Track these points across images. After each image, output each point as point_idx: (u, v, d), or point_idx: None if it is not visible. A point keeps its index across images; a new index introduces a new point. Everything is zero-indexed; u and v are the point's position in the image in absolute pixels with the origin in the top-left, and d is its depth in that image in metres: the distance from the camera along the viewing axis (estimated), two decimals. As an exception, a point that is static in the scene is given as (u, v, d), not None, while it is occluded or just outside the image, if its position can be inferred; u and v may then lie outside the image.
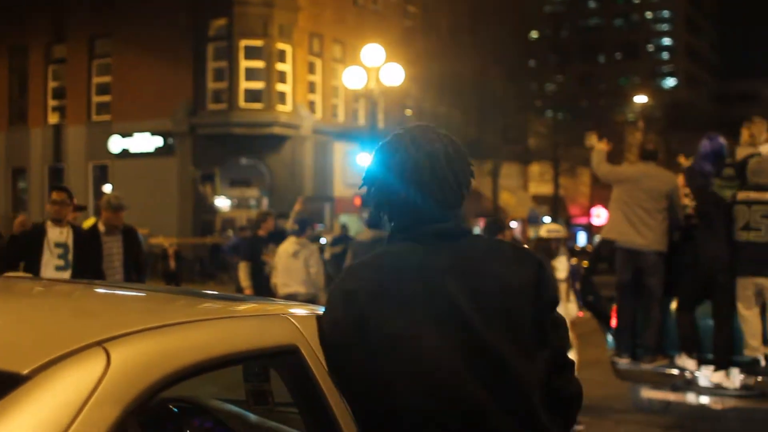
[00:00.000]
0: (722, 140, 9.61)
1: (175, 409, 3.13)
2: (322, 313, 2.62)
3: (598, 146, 10.05)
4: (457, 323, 2.39)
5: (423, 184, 2.50)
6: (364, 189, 2.63)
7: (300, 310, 2.77)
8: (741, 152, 9.63)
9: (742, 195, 8.90)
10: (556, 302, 2.60)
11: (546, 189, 49.34)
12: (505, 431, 2.38)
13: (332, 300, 2.53)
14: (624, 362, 9.36)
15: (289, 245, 12.05)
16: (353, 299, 2.44)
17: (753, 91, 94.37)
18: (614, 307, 9.66)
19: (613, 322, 9.70)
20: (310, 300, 11.22)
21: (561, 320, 2.61)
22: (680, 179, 10.06)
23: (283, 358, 2.54)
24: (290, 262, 11.88)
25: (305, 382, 2.47)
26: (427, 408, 2.36)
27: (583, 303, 10.35)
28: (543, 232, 10.52)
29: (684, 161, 10.27)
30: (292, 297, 11.28)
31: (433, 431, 2.36)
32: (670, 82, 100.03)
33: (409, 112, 41.87)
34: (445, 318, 2.39)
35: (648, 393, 9.67)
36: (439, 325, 2.39)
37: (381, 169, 2.57)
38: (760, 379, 8.76)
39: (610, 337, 9.92)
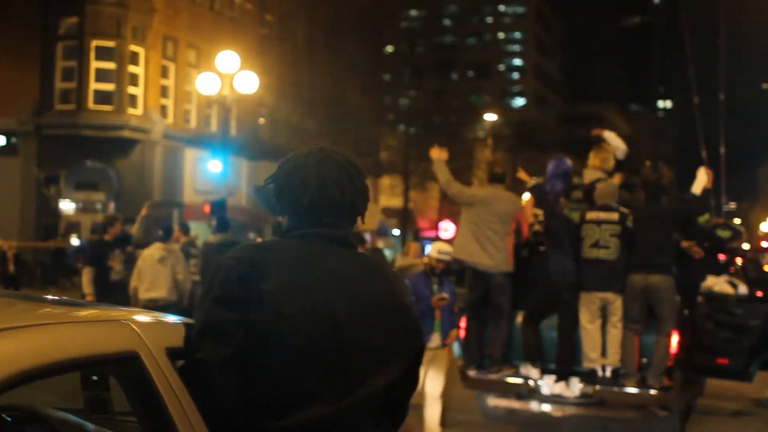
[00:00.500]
0: (569, 162, 10.18)
1: (9, 418, 3.04)
2: (193, 318, 2.67)
3: (437, 155, 10.16)
4: (329, 322, 2.58)
5: (328, 197, 2.74)
6: (272, 184, 2.82)
7: (143, 317, 2.75)
8: (588, 175, 10.15)
9: (591, 215, 9.45)
10: (420, 331, 2.86)
11: (396, 202, 49.82)
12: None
13: (222, 267, 2.62)
14: (472, 373, 9.73)
15: (155, 251, 12.13)
16: (246, 265, 2.58)
17: (598, 114, 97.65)
18: (463, 319, 9.94)
19: (462, 334, 10.00)
20: (173, 305, 11.52)
21: (421, 348, 2.87)
22: (530, 199, 10.49)
23: (123, 365, 2.51)
24: (156, 268, 11.95)
25: (145, 389, 2.46)
26: (286, 393, 2.52)
27: None
28: (434, 252, 9.17)
29: (524, 176, 10.69)
30: (153, 302, 11.61)
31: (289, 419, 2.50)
32: (520, 101, 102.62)
33: (262, 120, 41.64)
34: (321, 313, 2.58)
35: (494, 401, 10.09)
36: (314, 317, 2.56)
37: (292, 176, 2.77)
38: (597, 388, 9.34)
39: (457, 348, 10.29)
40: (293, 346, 2.52)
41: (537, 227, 10.37)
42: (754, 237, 64.20)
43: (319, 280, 2.61)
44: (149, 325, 2.67)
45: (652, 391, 9.39)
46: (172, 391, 2.49)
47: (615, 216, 9.40)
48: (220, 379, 2.51)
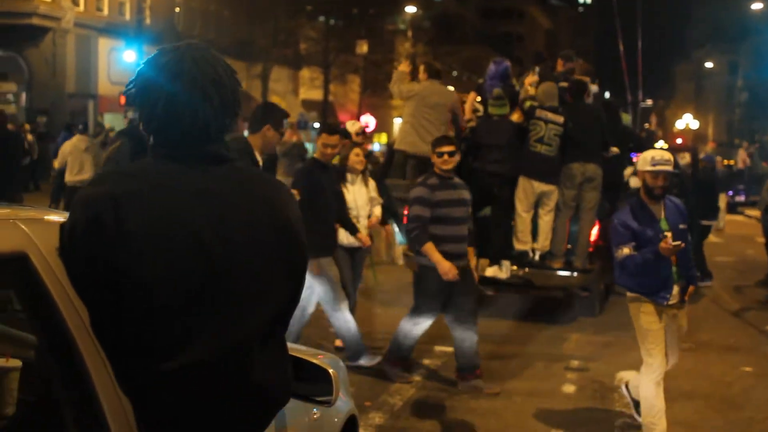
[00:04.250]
0: (507, 63, 12.01)
1: None
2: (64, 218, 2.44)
3: (401, 68, 11.45)
4: (200, 253, 2.35)
5: (209, 109, 2.45)
6: (132, 91, 2.48)
7: (32, 215, 2.57)
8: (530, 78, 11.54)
9: (540, 113, 10.63)
10: (302, 245, 2.62)
11: (316, 95, 49.27)
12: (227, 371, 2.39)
13: (77, 202, 2.37)
14: (410, 253, 10.06)
15: (79, 141, 15.57)
16: (100, 201, 2.31)
17: (518, 8, 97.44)
18: (406, 207, 10.38)
19: (405, 221, 10.51)
20: None
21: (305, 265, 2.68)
22: (471, 95, 11.82)
23: (10, 267, 2.34)
24: (82, 156, 15.24)
25: (35, 291, 2.31)
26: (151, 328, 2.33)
27: None
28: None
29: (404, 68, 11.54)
30: (82, 182, 14.19)
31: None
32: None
33: (177, 9, 40.59)
34: (188, 246, 2.34)
35: None
36: (181, 251, 2.33)
37: (157, 74, 2.44)
38: (527, 270, 10.79)
39: (397, 231, 12.12)
40: (164, 287, 2.29)
41: (472, 123, 11.25)
42: (670, 134, 65.41)
43: (186, 208, 2.36)
44: (39, 223, 2.48)
45: (576, 274, 10.70)
46: (65, 292, 2.34)
47: (560, 119, 10.62)
48: (94, 317, 2.35)
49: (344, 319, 8.32)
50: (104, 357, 2.35)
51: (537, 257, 10.81)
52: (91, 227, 2.29)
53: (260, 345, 2.45)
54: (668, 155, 6.51)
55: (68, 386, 2.35)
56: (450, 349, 8.56)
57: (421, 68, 10.95)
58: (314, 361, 3.23)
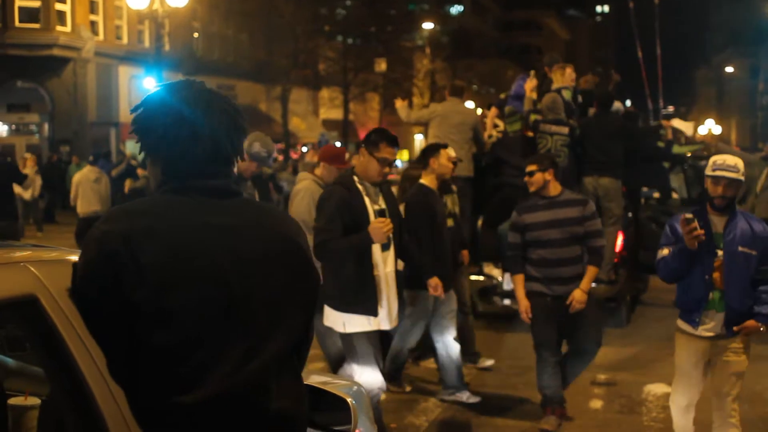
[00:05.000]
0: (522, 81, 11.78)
1: None
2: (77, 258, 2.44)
3: (397, 104, 11.52)
4: (219, 285, 2.36)
5: (202, 141, 2.46)
6: (140, 114, 2.50)
7: (43, 257, 2.58)
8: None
9: (544, 126, 10.61)
10: (313, 274, 2.66)
11: (336, 114, 49.42)
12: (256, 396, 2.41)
13: (89, 241, 2.36)
14: None
15: (89, 173, 15.82)
16: (113, 239, 2.30)
17: (536, 20, 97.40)
18: None
19: None
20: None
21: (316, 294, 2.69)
22: (492, 111, 12.02)
23: (21, 309, 2.35)
24: (92, 187, 15.49)
25: (46, 333, 2.31)
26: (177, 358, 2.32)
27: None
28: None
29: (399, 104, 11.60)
30: (95, 213, 14.96)
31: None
32: (458, 8, 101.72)
33: (196, 35, 40.82)
34: (208, 278, 2.35)
35: None
36: (201, 280, 2.34)
37: (155, 127, 2.46)
38: None
39: None
40: (183, 320, 2.29)
41: (493, 139, 11.49)
42: (692, 140, 64.95)
43: (202, 241, 2.36)
44: (50, 266, 2.48)
45: (601, 285, 10.25)
46: (76, 333, 2.33)
47: (565, 129, 10.58)
48: (109, 354, 2.36)
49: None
50: (116, 397, 2.34)
51: None
52: (107, 263, 2.29)
53: (277, 376, 2.45)
54: (734, 160, 5.63)
55: (81, 426, 2.34)
56: (474, 366, 8.52)
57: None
58: (332, 390, 3.21)
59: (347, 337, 6.06)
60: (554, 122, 10.65)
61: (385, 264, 6.05)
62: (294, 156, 34.55)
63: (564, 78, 11.05)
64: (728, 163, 5.57)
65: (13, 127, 33.92)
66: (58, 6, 32.13)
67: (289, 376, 2.53)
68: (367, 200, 5.98)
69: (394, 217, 6.06)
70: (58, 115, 32.94)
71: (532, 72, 11.76)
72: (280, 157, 30.49)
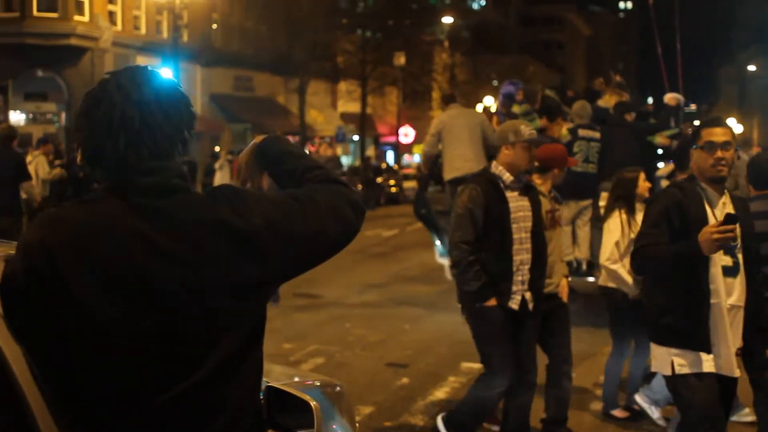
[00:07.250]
0: (510, 88, 12.45)
1: None
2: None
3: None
4: (146, 297, 2.17)
5: (132, 134, 2.23)
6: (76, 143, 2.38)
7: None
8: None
9: (583, 132, 11.02)
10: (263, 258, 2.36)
11: (354, 107, 49.33)
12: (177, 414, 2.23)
13: (19, 248, 2.21)
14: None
15: None
16: (35, 251, 2.16)
17: (558, 15, 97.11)
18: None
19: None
20: None
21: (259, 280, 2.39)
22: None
23: None
24: None
25: None
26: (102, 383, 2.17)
27: (417, 216, 12.33)
28: None
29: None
30: None
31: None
32: (479, 2, 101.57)
33: (215, 26, 40.83)
34: (134, 291, 2.16)
35: None
36: (127, 299, 2.16)
37: (87, 121, 2.28)
38: (570, 278, 10.23)
39: (438, 244, 12.02)
40: (112, 335, 2.14)
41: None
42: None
43: (129, 250, 2.17)
44: None
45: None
46: (16, 345, 2.21)
47: (598, 135, 11.09)
48: (40, 370, 2.22)
49: None
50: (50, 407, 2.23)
51: (584, 266, 11.10)
52: (28, 279, 2.15)
53: (224, 384, 2.28)
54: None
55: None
56: (477, 365, 8.40)
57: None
58: (294, 392, 3.10)
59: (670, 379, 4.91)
60: (590, 127, 11.12)
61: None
62: (311, 149, 34.51)
63: (610, 102, 11.86)
64: None
65: (30, 116, 34.00)
66: (76, -5, 32.15)
67: (237, 383, 2.33)
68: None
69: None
70: (74, 105, 32.93)
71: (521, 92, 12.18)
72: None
